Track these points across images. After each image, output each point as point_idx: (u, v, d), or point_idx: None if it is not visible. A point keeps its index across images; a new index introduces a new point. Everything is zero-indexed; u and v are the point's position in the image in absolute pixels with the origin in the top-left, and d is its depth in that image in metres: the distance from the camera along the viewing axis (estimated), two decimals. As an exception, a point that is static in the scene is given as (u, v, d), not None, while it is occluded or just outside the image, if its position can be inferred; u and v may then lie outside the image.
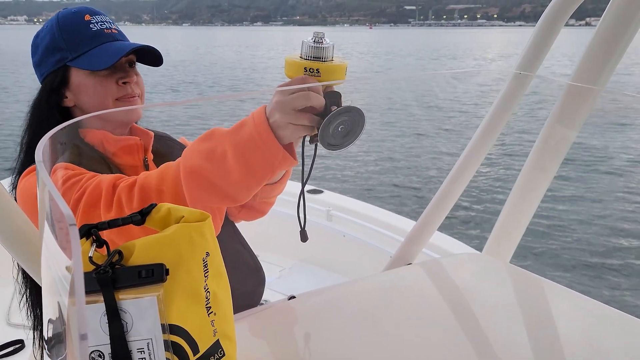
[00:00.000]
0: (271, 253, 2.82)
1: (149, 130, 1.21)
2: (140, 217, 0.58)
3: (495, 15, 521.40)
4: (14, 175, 1.11)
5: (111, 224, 0.55)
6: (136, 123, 1.18)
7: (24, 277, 1.11)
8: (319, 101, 0.80)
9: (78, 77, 1.08)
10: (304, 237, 0.99)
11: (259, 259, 1.31)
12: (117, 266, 0.52)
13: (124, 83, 1.09)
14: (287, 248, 2.86)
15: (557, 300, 1.02)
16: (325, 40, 0.84)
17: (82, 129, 1.12)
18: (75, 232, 0.29)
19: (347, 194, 3.24)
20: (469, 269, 1.18)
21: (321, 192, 3.06)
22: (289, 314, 0.93)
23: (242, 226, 1.31)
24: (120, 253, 0.53)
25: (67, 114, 1.13)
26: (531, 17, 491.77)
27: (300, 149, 0.91)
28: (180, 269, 0.55)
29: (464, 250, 2.15)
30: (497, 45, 62.29)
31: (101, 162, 1.07)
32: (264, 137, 0.79)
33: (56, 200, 0.33)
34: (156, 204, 0.60)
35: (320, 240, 2.73)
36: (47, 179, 0.38)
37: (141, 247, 0.54)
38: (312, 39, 0.84)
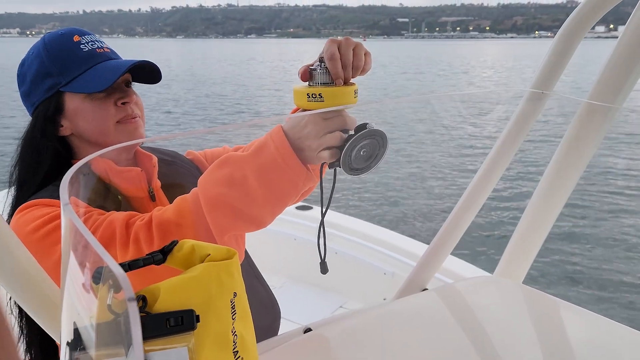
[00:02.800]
0: (261, 271, 2.79)
1: (154, 153, 1.13)
2: (162, 256, 0.54)
3: (488, 28, 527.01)
4: (8, 210, 1.03)
5: (132, 265, 0.51)
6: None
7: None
8: (354, 124, 0.79)
9: (73, 103, 1.01)
10: (324, 269, 0.95)
11: None
12: (141, 314, 0.47)
13: (123, 104, 1.03)
14: (275, 266, 2.76)
15: (578, 322, 1.01)
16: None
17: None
18: (135, 311, 0.26)
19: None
20: (487, 294, 1.15)
21: (310, 208, 2.98)
22: (309, 349, 0.89)
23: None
24: (144, 299, 0.49)
25: (65, 143, 1.05)
26: (523, 30, 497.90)
27: (319, 175, 0.88)
28: (209, 313, 0.51)
29: (472, 272, 2.11)
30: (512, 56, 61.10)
31: (107, 194, 1.01)
32: (287, 158, 0.78)
33: (101, 257, 0.29)
34: (177, 241, 0.56)
35: (310, 257, 2.68)
36: (80, 225, 0.34)
37: (166, 291, 0.50)
38: (316, 63, 0.82)
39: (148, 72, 1.07)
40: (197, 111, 17.39)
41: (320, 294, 2.68)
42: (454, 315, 1.05)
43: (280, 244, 2.81)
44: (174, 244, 0.56)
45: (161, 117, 15.68)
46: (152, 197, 1.08)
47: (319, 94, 0.78)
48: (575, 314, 1.02)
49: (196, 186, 1.21)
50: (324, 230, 0.92)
